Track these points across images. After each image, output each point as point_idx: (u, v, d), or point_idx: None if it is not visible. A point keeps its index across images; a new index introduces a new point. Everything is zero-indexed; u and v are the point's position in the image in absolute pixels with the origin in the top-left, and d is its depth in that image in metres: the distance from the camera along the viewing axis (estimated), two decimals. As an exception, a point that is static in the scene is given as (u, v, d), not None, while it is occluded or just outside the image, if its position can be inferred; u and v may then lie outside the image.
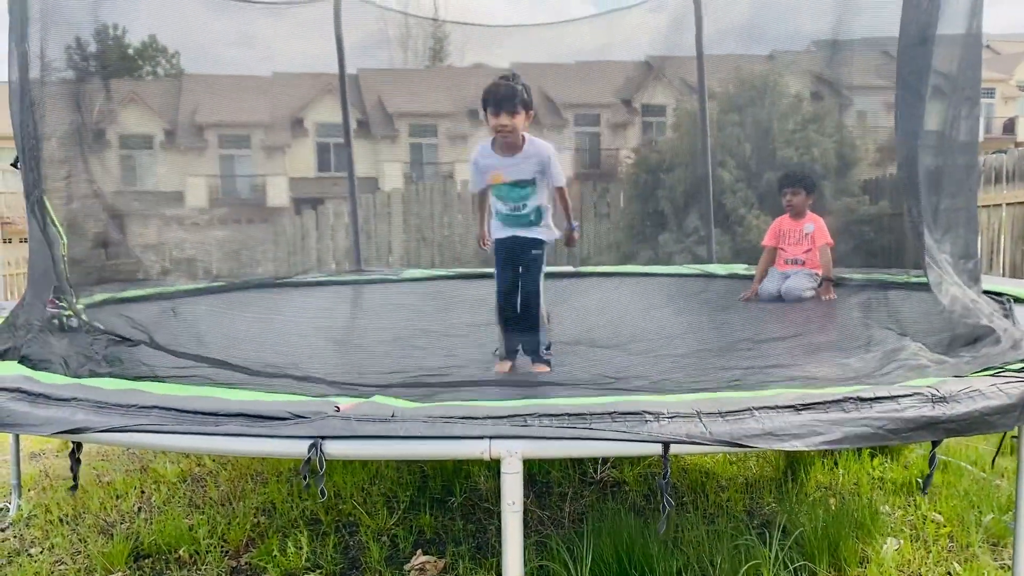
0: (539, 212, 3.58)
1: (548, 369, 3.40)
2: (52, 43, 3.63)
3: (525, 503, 2.60)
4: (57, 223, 3.31)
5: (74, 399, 2.20)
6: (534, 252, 3.60)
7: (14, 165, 3.23)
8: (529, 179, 3.53)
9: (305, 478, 1.91)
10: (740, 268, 6.46)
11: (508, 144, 3.50)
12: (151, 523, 3.18)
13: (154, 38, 8.21)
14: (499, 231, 3.64)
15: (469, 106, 3.59)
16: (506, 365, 3.45)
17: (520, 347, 3.50)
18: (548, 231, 3.65)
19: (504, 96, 3.42)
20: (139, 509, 3.42)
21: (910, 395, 2.06)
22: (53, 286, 3.31)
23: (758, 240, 5.90)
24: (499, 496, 1.96)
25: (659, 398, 2.16)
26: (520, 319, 3.53)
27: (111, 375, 2.66)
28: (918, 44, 2.99)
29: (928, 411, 2.02)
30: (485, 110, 3.52)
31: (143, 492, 3.63)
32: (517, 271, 3.59)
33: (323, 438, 1.91)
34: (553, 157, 3.60)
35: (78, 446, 2.38)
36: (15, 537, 3.15)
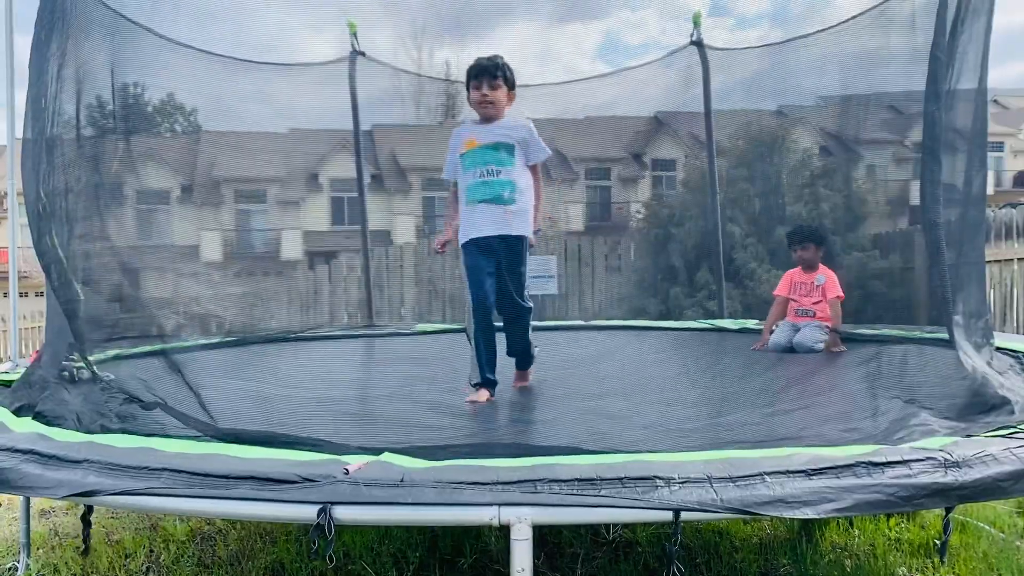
0: (513, 187, 3.40)
1: (528, 382, 3.37)
2: (75, 101, 3.73)
3: (536, 564, 2.58)
4: (73, 280, 3.36)
5: (86, 461, 2.21)
6: (516, 249, 3.45)
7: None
8: (506, 143, 3.40)
9: (314, 542, 1.91)
10: (751, 323, 6.46)
11: (488, 118, 3.42)
12: (159, 584, 3.16)
13: (172, 96, 8.39)
14: (469, 226, 3.44)
15: None
16: (483, 395, 3.33)
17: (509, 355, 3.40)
18: (524, 218, 3.45)
19: (486, 68, 3.38)
20: (147, 569, 3.40)
21: (922, 459, 2.05)
22: (68, 344, 3.34)
23: (769, 294, 5.91)
24: (509, 558, 1.94)
25: (670, 457, 2.15)
26: (511, 332, 3.42)
27: (123, 431, 2.67)
28: (933, 105, 3.03)
29: (940, 477, 2.00)
30: (468, 87, 3.47)
31: (152, 551, 3.61)
32: (495, 277, 3.43)
33: (332, 503, 1.91)
34: (534, 131, 3.50)
35: (89, 509, 2.39)
36: (23, 598, 3.13)
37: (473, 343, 3.46)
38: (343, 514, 1.93)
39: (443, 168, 3.64)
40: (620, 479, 1.96)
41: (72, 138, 3.77)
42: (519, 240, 3.46)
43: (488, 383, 3.36)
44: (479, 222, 3.44)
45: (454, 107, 8.96)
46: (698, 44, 7.14)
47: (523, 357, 3.52)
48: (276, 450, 2.36)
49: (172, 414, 2.79)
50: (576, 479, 1.96)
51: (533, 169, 3.54)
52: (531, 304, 3.52)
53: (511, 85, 3.42)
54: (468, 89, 3.46)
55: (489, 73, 3.36)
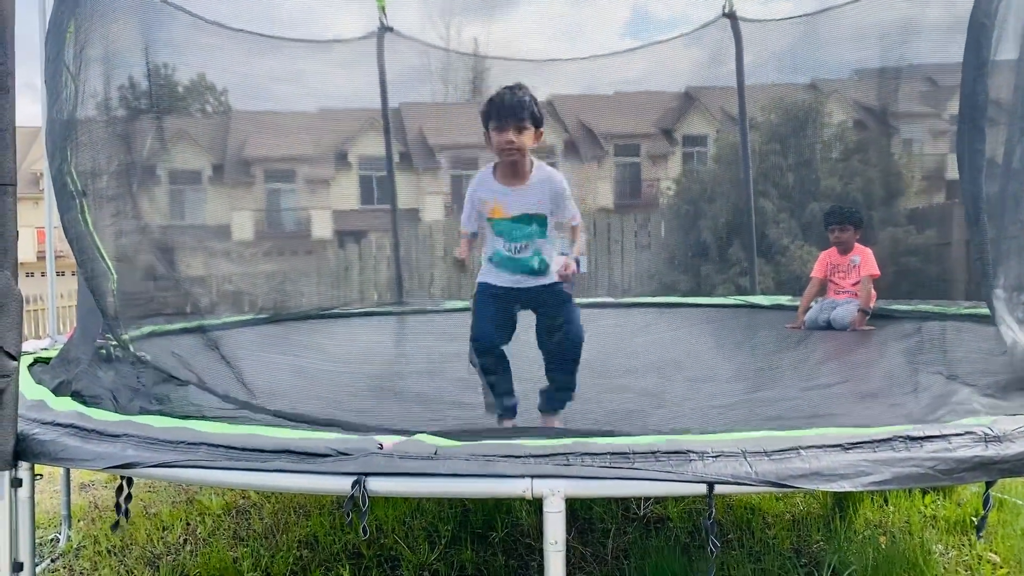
0: (543, 260, 2.96)
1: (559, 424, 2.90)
2: (105, 82, 3.75)
3: (568, 539, 2.58)
4: (106, 258, 3.40)
5: (125, 435, 2.24)
6: (558, 299, 2.98)
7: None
8: (537, 214, 2.94)
9: (348, 514, 1.93)
10: (784, 299, 6.39)
11: (513, 169, 2.91)
12: (196, 555, 3.22)
13: (203, 76, 8.43)
14: (490, 274, 3.03)
15: None
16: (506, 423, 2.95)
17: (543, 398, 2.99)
18: (552, 278, 2.98)
19: (510, 107, 2.83)
20: (184, 541, 3.46)
21: (962, 434, 2.02)
22: (101, 321, 3.38)
23: (802, 271, 5.86)
24: (541, 532, 1.95)
25: (703, 438, 2.13)
26: (557, 378, 2.97)
27: (160, 412, 2.71)
28: (977, 76, 2.94)
29: (981, 451, 1.97)
30: (486, 126, 2.93)
31: (188, 524, 3.67)
32: (510, 329, 3.02)
33: (366, 475, 1.93)
34: (567, 190, 3.01)
35: (128, 482, 2.43)
36: (65, 568, 3.20)
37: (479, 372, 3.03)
38: (377, 485, 1.94)
39: (462, 217, 3.18)
40: (653, 452, 1.95)
41: (102, 117, 3.79)
42: (556, 286, 3.01)
43: (508, 410, 2.95)
44: (503, 278, 3.02)
45: (482, 84, 8.92)
46: (730, 16, 7.02)
47: (561, 396, 3.01)
48: (311, 432, 2.38)
49: (208, 390, 2.82)
50: (609, 452, 1.96)
51: (573, 230, 3.06)
52: (580, 337, 3.03)
53: (539, 124, 2.88)
54: (486, 128, 2.93)
55: (514, 114, 2.82)
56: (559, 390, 3.00)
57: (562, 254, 3.02)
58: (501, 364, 2.99)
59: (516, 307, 3.04)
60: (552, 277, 2.98)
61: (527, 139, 2.86)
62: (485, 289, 3.04)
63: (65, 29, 3.17)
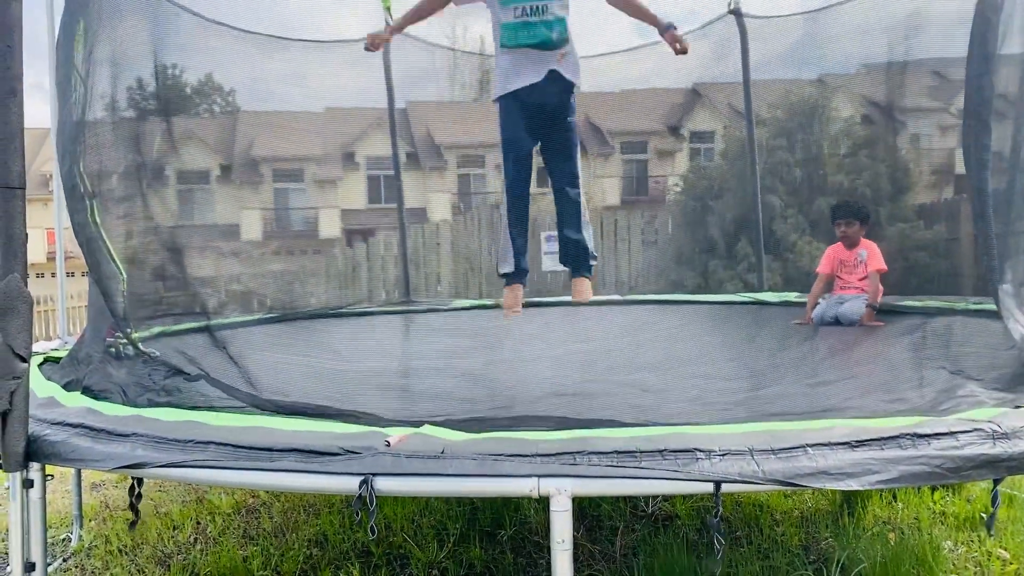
0: (564, 27, 2.75)
1: (590, 282, 2.78)
2: (113, 83, 3.76)
3: (575, 537, 2.59)
4: (116, 259, 3.41)
5: (134, 434, 2.26)
6: (568, 104, 2.80)
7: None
8: None
9: (356, 513, 1.94)
10: (792, 296, 6.37)
11: None
12: (206, 554, 3.23)
13: (210, 76, 8.46)
14: (507, 74, 2.77)
15: None
16: (518, 293, 2.84)
17: (563, 260, 2.81)
18: (576, 64, 2.80)
19: None
20: (195, 540, 3.48)
21: (969, 431, 2.01)
22: (111, 321, 3.40)
23: (810, 267, 5.84)
24: (549, 530, 1.95)
25: (710, 430, 2.14)
26: (563, 213, 2.80)
27: (169, 404, 2.73)
28: (983, 70, 2.93)
29: (989, 448, 1.96)
30: None
31: (199, 523, 3.69)
32: (536, 139, 2.80)
33: (374, 475, 1.94)
34: None
35: (139, 482, 2.44)
36: (77, 567, 3.22)
37: (504, 221, 2.87)
38: (385, 485, 1.95)
39: None
40: (660, 451, 1.95)
41: (110, 119, 3.81)
42: (570, 88, 2.81)
43: (520, 273, 2.85)
44: (520, 68, 2.77)
45: (489, 82, 8.92)
46: (736, 13, 7.01)
47: (578, 252, 2.86)
48: (318, 422, 2.40)
49: (216, 384, 2.83)
50: (616, 451, 1.96)
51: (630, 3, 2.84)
52: (580, 175, 2.88)
53: None
54: None
55: None
56: (581, 246, 2.86)
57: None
58: (525, 208, 2.83)
59: (537, 114, 2.76)
60: (568, 73, 2.77)
61: None
62: (507, 100, 2.77)
63: (75, 31, 3.19)
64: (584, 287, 2.88)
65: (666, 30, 2.91)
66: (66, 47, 3.19)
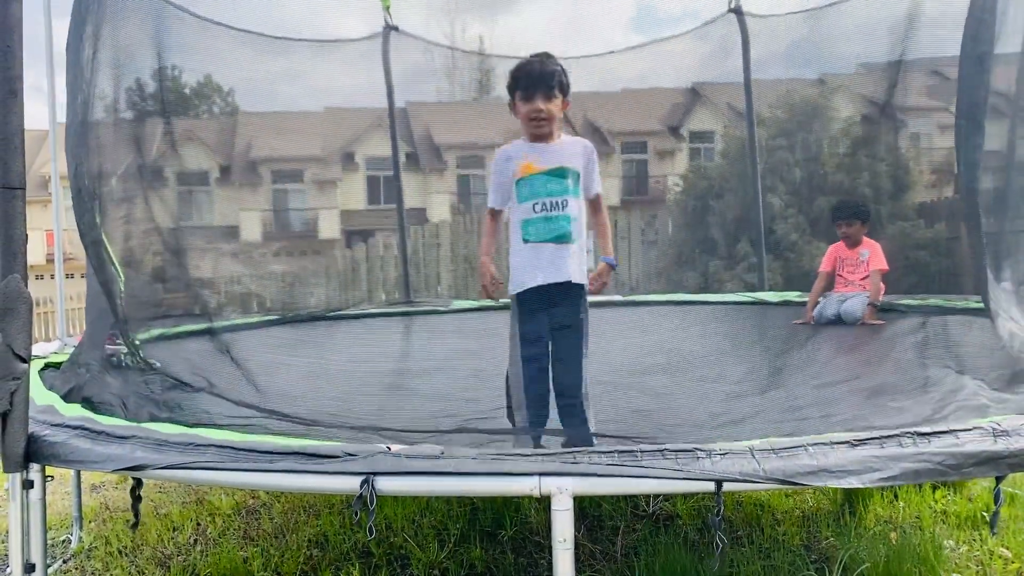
0: (577, 223, 2.83)
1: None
2: (114, 84, 3.76)
3: (576, 537, 2.59)
4: (115, 261, 3.41)
5: (134, 436, 2.25)
6: (580, 302, 2.84)
7: None
8: (571, 167, 2.83)
9: (356, 513, 1.93)
10: (793, 295, 6.37)
11: (542, 137, 2.85)
12: (207, 555, 3.23)
13: (209, 77, 8.46)
14: (528, 270, 2.82)
15: (515, 137, 2.91)
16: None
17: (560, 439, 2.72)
18: (583, 261, 2.84)
19: (539, 76, 2.79)
20: (195, 541, 3.47)
21: (970, 429, 2.01)
22: (111, 325, 3.40)
23: (810, 266, 5.83)
24: (550, 530, 1.95)
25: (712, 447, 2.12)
26: (562, 402, 2.80)
27: (170, 420, 2.71)
28: (977, 70, 2.93)
29: (990, 445, 1.96)
30: (512, 96, 2.87)
31: (199, 524, 3.69)
32: (549, 332, 2.85)
33: (374, 474, 1.93)
34: (595, 155, 2.92)
35: (139, 483, 2.44)
36: (77, 569, 3.22)
37: (523, 419, 2.82)
38: (385, 485, 1.95)
39: (488, 193, 3.04)
40: (661, 450, 1.95)
41: (111, 120, 3.81)
42: (583, 289, 2.88)
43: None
44: (542, 265, 2.83)
45: (488, 82, 8.91)
46: (736, 12, 7.00)
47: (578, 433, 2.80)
48: (320, 441, 2.36)
49: (219, 396, 2.82)
50: (616, 450, 1.96)
51: (595, 202, 2.98)
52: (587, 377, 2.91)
53: (566, 92, 2.85)
54: (512, 99, 2.87)
55: (544, 83, 2.78)
56: (580, 420, 2.84)
57: (610, 262, 2.96)
58: (547, 391, 2.85)
59: (553, 310, 2.84)
60: (582, 272, 2.85)
61: (555, 108, 2.81)
62: (527, 296, 2.82)
63: (83, 32, 3.19)
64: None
65: (605, 262, 2.95)
66: (75, 49, 3.19)
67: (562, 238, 2.82)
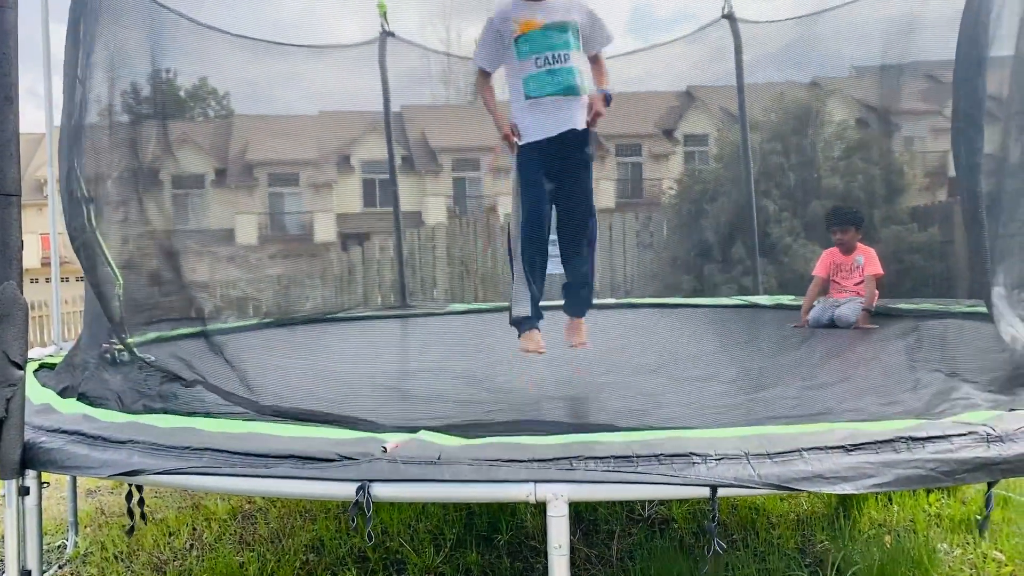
0: (583, 75, 2.84)
1: (584, 337, 2.81)
2: (109, 87, 3.76)
3: (572, 541, 2.59)
4: (112, 263, 3.41)
5: (130, 441, 2.26)
6: (586, 152, 2.88)
7: None
8: (571, 21, 2.83)
9: (353, 519, 1.94)
10: (787, 299, 6.39)
11: None
12: (203, 560, 3.23)
13: (205, 80, 8.45)
14: (528, 126, 2.84)
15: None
16: (537, 339, 2.86)
17: (565, 295, 2.86)
18: (585, 118, 2.86)
19: None
20: (191, 546, 3.47)
21: (964, 434, 2.02)
22: (107, 326, 3.40)
23: (805, 270, 5.85)
24: (546, 534, 1.96)
25: (706, 434, 2.14)
26: (572, 249, 2.85)
27: (165, 410, 2.72)
28: (974, 73, 2.94)
29: (983, 451, 1.97)
30: None
31: (195, 529, 3.68)
32: (552, 187, 2.86)
33: (371, 481, 1.94)
34: (596, 12, 2.94)
35: (138, 487, 2.44)
36: (72, 574, 3.21)
37: (522, 269, 2.85)
38: (381, 491, 1.95)
39: (474, 57, 3.06)
40: (656, 456, 1.96)
41: (105, 123, 3.80)
42: (590, 137, 2.90)
43: (537, 317, 2.87)
44: (544, 120, 2.85)
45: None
46: (730, 17, 7.03)
47: (582, 294, 2.93)
48: (315, 428, 2.39)
49: (213, 390, 2.83)
50: (612, 456, 1.97)
51: (595, 59, 2.97)
52: (596, 219, 2.95)
53: None
54: None
55: None
56: (583, 285, 2.91)
57: (604, 93, 2.92)
58: (543, 261, 2.85)
59: (556, 161, 2.82)
60: (588, 107, 2.84)
61: None
62: (527, 150, 2.82)
63: (78, 36, 3.20)
64: (582, 331, 2.92)
65: (599, 93, 2.96)
66: (71, 51, 3.20)
67: (568, 90, 2.82)
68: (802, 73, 8.95)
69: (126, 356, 3.31)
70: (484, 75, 3.03)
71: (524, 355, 3.22)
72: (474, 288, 13.38)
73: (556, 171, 2.89)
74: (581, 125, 2.87)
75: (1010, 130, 3.17)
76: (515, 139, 2.90)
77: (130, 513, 2.48)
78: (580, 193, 2.88)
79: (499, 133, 2.94)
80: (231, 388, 2.86)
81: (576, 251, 2.95)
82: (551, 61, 2.82)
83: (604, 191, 18.03)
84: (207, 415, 2.66)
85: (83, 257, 3.18)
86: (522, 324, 2.96)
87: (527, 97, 2.86)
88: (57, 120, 3.78)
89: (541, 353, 3.02)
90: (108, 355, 3.35)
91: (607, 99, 2.93)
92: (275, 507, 3.88)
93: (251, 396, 2.77)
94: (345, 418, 2.47)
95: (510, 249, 2.96)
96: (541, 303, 3.03)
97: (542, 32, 2.81)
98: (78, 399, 2.88)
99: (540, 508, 1.94)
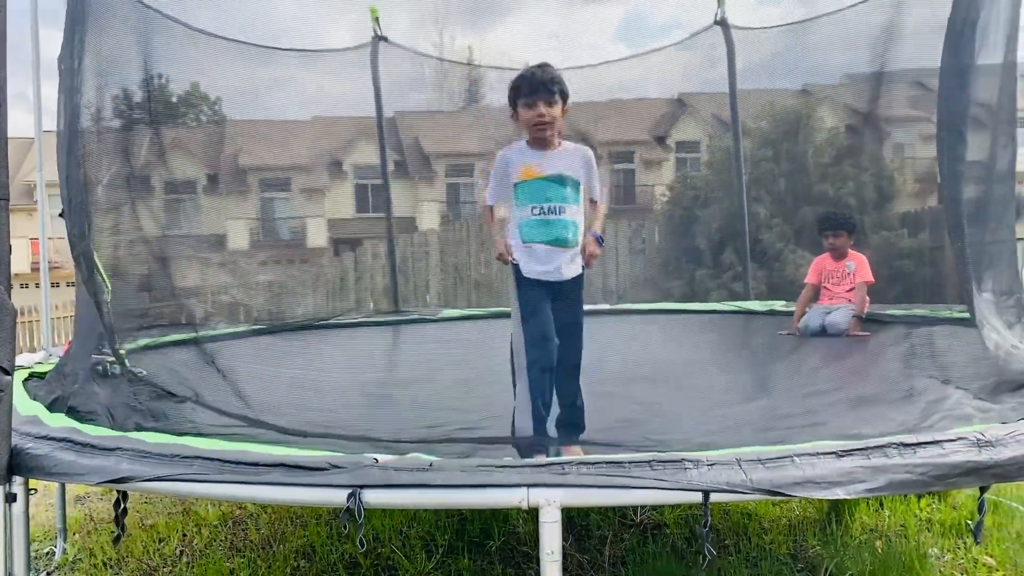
0: (576, 229, 2.93)
1: (581, 452, 2.65)
2: (101, 94, 3.75)
3: (564, 547, 2.58)
4: (102, 271, 3.39)
5: (119, 448, 2.24)
6: (577, 292, 2.96)
7: (62, 215, 3.31)
8: (571, 175, 2.92)
9: (344, 526, 1.93)
10: (778, 304, 6.41)
11: (544, 142, 2.94)
12: (193, 567, 3.21)
13: (196, 86, 8.43)
14: (528, 262, 2.93)
15: (505, 144, 2.98)
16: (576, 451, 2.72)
17: (557, 426, 2.90)
18: (576, 268, 2.96)
19: (541, 82, 2.89)
20: (181, 553, 3.45)
21: (955, 439, 2.02)
22: (98, 335, 3.38)
23: (795, 275, 5.87)
24: (538, 540, 1.95)
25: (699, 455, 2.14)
26: (567, 383, 2.93)
27: (156, 429, 2.70)
28: (958, 82, 2.96)
29: (974, 456, 1.98)
30: (514, 104, 2.97)
31: (185, 535, 3.66)
32: (550, 318, 2.92)
33: (362, 487, 1.93)
34: (594, 162, 3.02)
35: (123, 496, 2.42)
36: (61, 582, 3.19)
37: (526, 382, 2.87)
38: (372, 498, 1.94)
39: (486, 192, 3.14)
40: (649, 462, 1.96)
41: (96, 129, 3.79)
42: (580, 280, 3.00)
43: (544, 437, 2.85)
44: (535, 265, 2.96)
45: (477, 92, 8.92)
46: (722, 24, 7.05)
47: (572, 419, 2.97)
48: (308, 449, 2.36)
49: (205, 406, 2.81)
50: (605, 461, 1.96)
51: (593, 203, 3.07)
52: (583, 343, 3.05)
53: (566, 98, 2.93)
54: (514, 107, 2.97)
55: (545, 88, 2.87)
56: (573, 410, 2.95)
57: (596, 236, 3.00)
58: (551, 379, 2.89)
59: (551, 296, 2.93)
60: (578, 268, 2.95)
61: (557, 113, 2.90)
62: (529, 283, 2.91)
63: (73, 42, 3.19)
64: (574, 454, 2.81)
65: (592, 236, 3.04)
66: (68, 58, 3.19)
67: (558, 242, 2.92)
68: (793, 80, 8.99)
69: (117, 369, 3.29)
70: (491, 210, 3.13)
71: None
72: (467, 294, 13.37)
73: (549, 308, 2.97)
74: (568, 275, 2.96)
75: (998, 138, 3.19)
76: (509, 259, 2.99)
77: (117, 521, 2.46)
78: (572, 327, 2.97)
79: (496, 250, 3.05)
80: (223, 400, 2.84)
81: (568, 387, 3.00)
82: (546, 212, 2.91)
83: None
84: (199, 435, 2.62)
85: (83, 265, 3.16)
86: (528, 447, 2.79)
87: (523, 241, 2.97)
88: (46, 125, 3.77)
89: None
90: (99, 367, 3.33)
91: (599, 241, 3.03)
92: (266, 513, 3.86)
93: (244, 409, 2.76)
94: (340, 436, 2.45)
95: (512, 360, 2.98)
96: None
97: (542, 182, 2.92)
98: (67, 413, 2.85)
99: (532, 514, 1.93)
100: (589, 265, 3.01)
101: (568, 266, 2.97)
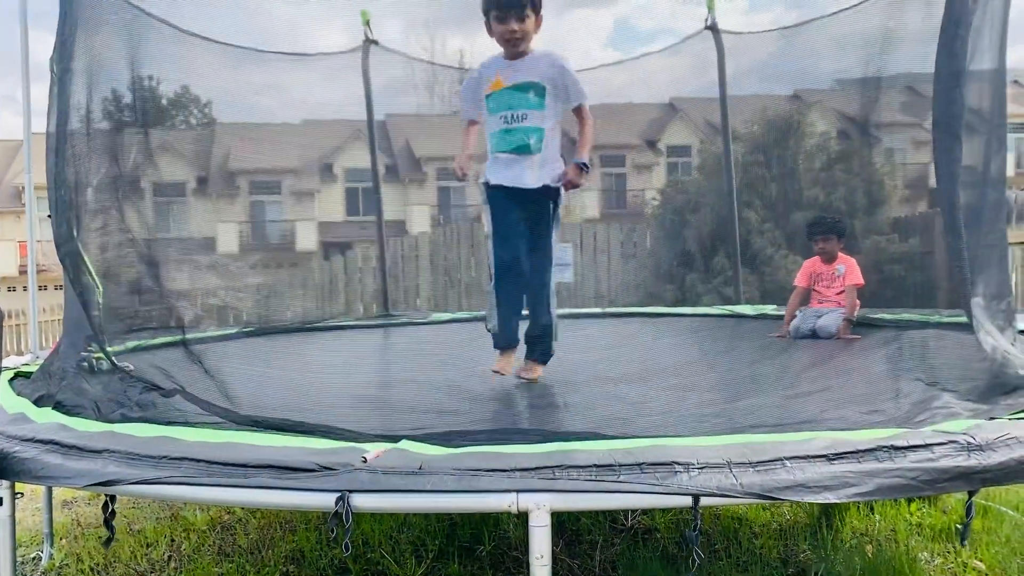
0: (540, 135, 2.98)
1: (541, 372, 2.99)
2: (91, 95, 3.73)
3: (554, 552, 2.57)
4: (93, 272, 3.37)
5: (106, 450, 2.22)
6: (543, 207, 3.03)
7: (51, 217, 3.29)
8: (535, 81, 2.96)
9: (333, 530, 1.91)
10: (769, 308, 6.42)
11: (517, 53, 2.99)
12: (181, 572, 3.19)
13: (187, 88, 8.40)
14: (495, 171, 3.04)
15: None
16: (507, 360, 3.02)
17: (523, 337, 3.00)
18: (552, 168, 3.01)
19: None
20: (169, 558, 3.43)
21: (945, 443, 2.02)
22: (86, 335, 3.36)
23: (786, 280, 5.87)
24: (528, 545, 1.94)
25: (688, 442, 2.14)
26: (531, 298, 3.02)
27: (143, 419, 2.69)
28: (953, 85, 2.97)
29: (963, 460, 1.98)
30: (488, 17, 3.00)
31: (173, 540, 3.64)
32: (520, 229, 3.02)
33: (350, 491, 1.91)
34: (568, 66, 3.05)
35: (112, 499, 2.40)
36: (47, 587, 3.17)
37: (495, 298, 3.01)
38: (361, 502, 1.93)
39: (462, 106, 3.24)
40: (639, 465, 1.95)
41: (86, 131, 3.77)
42: (547, 192, 3.04)
43: (507, 341, 3.01)
44: (502, 172, 3.04)
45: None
46: (713, 29, 7.07)
47: (541, 337, 3.07)
48: (295, 438, 2.37)
49: (192, 400, 2.80)
50: (594, 465, 1.95)
51: (578, 112, 3.09)
52: (552, 279, 3.12)
53: (538, 9, 2.95)
54: (488, 20, 2.99)
55: (517, 2, 2.89)
56: (543, 336, 3.06)
57: (580, 164, 3.02)
58: (518, 292, 3.02)
59: (520, 208, 3.01)
60: (545, 179, 2.99)
61: (529, 26, 2.94)
62: (495, 189, 3.00)
63: (64, 44, 3.18)
64: (535, 372, 3.06)
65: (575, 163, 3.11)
66: (60, 60, 3.18)
67: (520, 149, 2.98)
68: (784, 85, 9.02)
69: (104, 365, 3.27)
70: (468, 123, 3.21)
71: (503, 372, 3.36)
72: (458, 297, 13.36)
73: (516, 218, 3.07)
74: (531, 183, 3.02)
75: (991, 142, 3.20)
76: (459, 174, 3.09)
77: (107, 524, 2.44)
78: (537, 243, 3.04)
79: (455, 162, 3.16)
80: (210, 398, 2.83)
81: (536, 299, 3.10)
82: (509, 120, 2.99)
83: (588, 201, 18.08)
84: (186, 424, 2.63)
85: (68, 265, 3.15)
86: (495, 341, 3.10)
87: (491, 152, 3.08)
88: (35, 127, 3.74)
89: (504, 375, 3.17)
90: (86, 363, 3.31)
91: (582, 168, 3.06)
92: (255, 518, 3.84)
93: (230, 406, 2.74)
94: (325, 428, 2.45)
95: (490, 269, 3.14)
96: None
97: (506, 92, 2.99)
98: (54, 408, 2.84)
99: (522, 518, 1.93)
100: (566, 188, 3.06)
101: (531, 172, 3.01)
